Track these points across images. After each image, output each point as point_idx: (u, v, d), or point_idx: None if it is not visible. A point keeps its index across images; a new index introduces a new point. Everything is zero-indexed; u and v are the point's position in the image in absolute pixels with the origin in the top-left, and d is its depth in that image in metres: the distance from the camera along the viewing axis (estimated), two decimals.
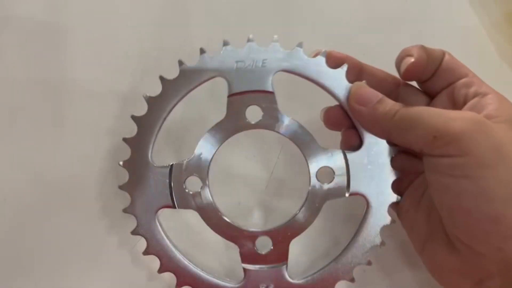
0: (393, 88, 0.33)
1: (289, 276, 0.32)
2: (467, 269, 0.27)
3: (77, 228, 0.35)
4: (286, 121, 0.31)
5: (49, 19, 0.38)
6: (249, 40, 0.31)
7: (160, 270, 0.32)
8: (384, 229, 0.31)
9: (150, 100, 0.31)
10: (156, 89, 0.31)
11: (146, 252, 0.32)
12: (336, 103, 0.31)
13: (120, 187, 0.32)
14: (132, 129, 0.31)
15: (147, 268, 0.34)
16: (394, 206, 0.31)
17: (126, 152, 0.32)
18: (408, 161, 0.32)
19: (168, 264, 0.32)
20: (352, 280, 0.31)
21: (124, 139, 0.31)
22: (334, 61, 0.31)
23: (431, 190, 0.28)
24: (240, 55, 0.31)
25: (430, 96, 0.32)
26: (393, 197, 0.30)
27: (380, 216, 0.31)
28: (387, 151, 0.30)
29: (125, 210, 0.32)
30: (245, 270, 0.32)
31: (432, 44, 0.32)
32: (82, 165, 0.36)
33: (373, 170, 0.30)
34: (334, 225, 0.35)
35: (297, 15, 0.38)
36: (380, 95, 0.29)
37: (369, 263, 0.31)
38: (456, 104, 0.30)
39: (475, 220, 0.25)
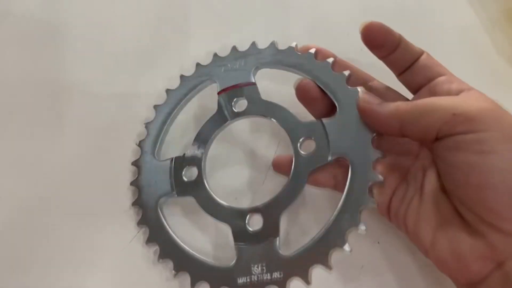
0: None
1: (281, 250, 0.31)
2: (488, 252, 0.26)
3: (73, 225, 0.36)
4: (268, 105, 0.35)
5: (47, 17, 0.41)
6: (233, 48, 0.37)
7: (159, 258, 0.33)
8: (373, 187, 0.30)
9: (156, 108, 0.38)
10: (153, 88, 0.38)
11: (148, 241, 0.34)
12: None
13: (132, 183, 0.36)
14: (129, 127, 0.37)
15: (146, 260, 0.35)
16: (384, 210, 0.31)
17: (123, 150, 0.37)
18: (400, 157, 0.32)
19: (167, 251, 0.33)
20: (345, 247, 0.29)
21: (137, 144, 0.38)
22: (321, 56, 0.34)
23: (452, 175, 0.27)
24: (226, 60, 0.37)
25: (411, 92, 0.33)
26: (376, 154, 0.30)
27: (365, 174, 0.30)
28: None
29: (134, 203, 0.35)
30: (238, 249, 0.32)
31: (430, 41, 0.34)
32: (79, 163, 0.38)
33: (350, 132, 0.31)
34: (323, 194, 0.34)
35: (293, 11, 0.42)
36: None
37: (362, 227, 0.29)
38: None
39: (503, 195, 0.25)
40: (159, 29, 0.42)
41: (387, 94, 0.34)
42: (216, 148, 0.36)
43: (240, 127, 0.38)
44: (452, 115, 0.26)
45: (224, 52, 0.37)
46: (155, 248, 0.34)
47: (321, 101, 0.33)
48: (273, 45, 0.36)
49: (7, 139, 0.39)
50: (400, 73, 0.32)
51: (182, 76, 0.39)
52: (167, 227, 0.34)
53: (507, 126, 0.25)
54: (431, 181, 0.30)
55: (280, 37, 0.36)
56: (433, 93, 0.30)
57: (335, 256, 0.29)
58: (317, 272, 0.30)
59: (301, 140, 0.33)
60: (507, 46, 0.40)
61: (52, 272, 0.35)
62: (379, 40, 0.31)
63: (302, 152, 0.32)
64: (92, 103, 0.40)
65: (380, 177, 0.29)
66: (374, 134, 0.30)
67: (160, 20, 0.42)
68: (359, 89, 0.31)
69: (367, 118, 0.30)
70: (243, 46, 0.37)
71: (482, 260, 0.26)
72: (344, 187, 0.30)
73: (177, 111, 0.38)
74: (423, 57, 0.31)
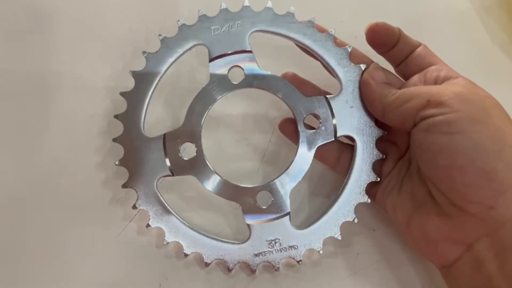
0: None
1: (293, 226, 0.32)
2: (457, 234, 0.28)
3: (66, 218, 0.35)
4: (267, 77, 0.33)
5: (35, 5, 0.38)
6: (221, 7, 0.33)
7: (166, 240, 0.32)
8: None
9: (136, 75, 0.33)
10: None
11: (150, 224, 0.32)
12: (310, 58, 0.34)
13: (118, 163, 0.32)
14: (118, 110, 0.33)
15: (148, 243, 0.34)
16: (371, 195, 0.33)
17: (114, 137, 0.33)
18: (391, 145, 0.33)
19: (173, 233, 0.32)
20: (353, 219, 0.32)
21: (116, 116, 0.33)
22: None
23: (424, 156, 0.29)
24: (214, 21, 0.33)
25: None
26: (379, 132, 0.32)
27: (369, 152, 0.32)
28: None
29: (124, 185, 0.32)
30: (249, 226, 0.32)
31: (424, 27, 0.34)
32: (70, 156, 0.36)
33: (355, 111, 0.32)
34: (329, 170, 0.35)
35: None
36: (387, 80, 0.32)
37: (368, 200, 0.32)
38: (428, 85, 0.31)
39: (469, 176, 0.26)
40: (148, 18, 0.39)
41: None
42: (213, 122, 0.35)
43: (239, 98, 0.36)
44: (427, 101, 0.27)
45: (211, 12, 0.33)
46: (158, 229, 0.33)
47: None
48: (269, 8, 0.33)
49: None
50: (397, 65, 0.33)
51: (163, 38, 0.33)
52: (169, 208, 0.32)
53: (478, 108, 0.26)
54: (411, 169, 0.31)
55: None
56: (422, 80, 0.31)
57: (344, 227, 0.32)
58: (313, 258, 0.33)
59: (305, 115, 0.33)
60: (500, 33, 0.40)
61: (47, 264, 0.34)
62: (382, 39, 0.32)
63: (308, 129, 0.33)
64: (79, 93, 0.37)
65: (383, 155, 0.32)
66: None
67: (149, 9, 0.40)
68: (373, 64, 0.32)
69: (362, 93, 0.32)
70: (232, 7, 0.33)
71: (449, 242, 0.28)
72: (344, 170, 0.33)
73: (160, 79, 0.33)
74: (419, 49, 0.32)
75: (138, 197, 0.32)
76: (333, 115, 0.32)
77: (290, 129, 0.34)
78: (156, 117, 0.36)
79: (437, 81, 0.30)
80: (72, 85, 0.37)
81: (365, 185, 0.32)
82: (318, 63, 0.34)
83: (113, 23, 0.39)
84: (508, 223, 0.26)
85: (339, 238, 0.32)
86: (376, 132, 0.32)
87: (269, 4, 0.33)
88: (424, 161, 0.29)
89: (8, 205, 0.35)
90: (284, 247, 0.32)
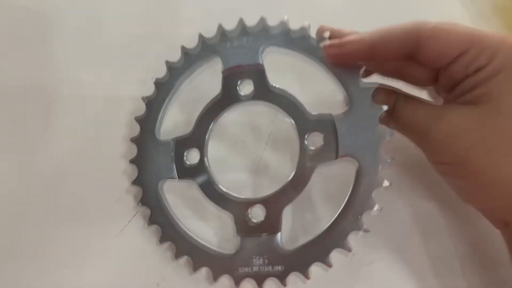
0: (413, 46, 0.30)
1: (283, 245, 0.31)
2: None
3: (65, 219, 0.35)
4: (276, 91, 0.33)
5: (36, 12, 0.40)
6: (240, 22, 0.34)
7: (161, 240, 0.33)
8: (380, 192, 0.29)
9: (156, 83, 0.36)
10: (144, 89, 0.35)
11: (150, 222, 0.34)
12: (325, 73, 0.32)
13: (131, 161, 0.35)
14: (120, 125, 0.36)
15: (145, 244, 0.35)
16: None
17: (115, 148, 0.36)
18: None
19: (167, 235, 0.33)
20: (348, 249, 0.30)
21: (135, 118, 0.35)
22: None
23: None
24: (232, 34, 0.34)
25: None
26: (386, 158, 0.29)
27: (372, 178, 0.29)
28: (375, 112, 0.30)
29: (133, 182, 0.34)
30: (240, 239, 0.32)
31: None
32: (70, 158, 0.37)
33: (361, 132, 0.30)
34: (327, 191, 0.34)
35: (288, 2, 0.40)
36: None
37: (365, 230, 0.29)
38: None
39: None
40: (148, 28, 0.40)
41: None
42: (219, 132, 0.35)
43: (246, 110, 0.36)
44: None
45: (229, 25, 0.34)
46: (156, 229, 0.34)
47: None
48: (283, 23, 0.33)
49: None
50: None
51: (183, 48, 0.35)
52: (169, 209, 0.34)
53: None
54: None
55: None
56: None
57: (334, 255, 0.30)
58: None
59: (308, 133, 0.31)
60: None
61: (42, 263, 0.35)
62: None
63: (309, 147, 0.31)
64: (81, 101, 0.38)
65: (387, 182, 0.29)
66: (388, 136, 0.29)
67: (150, 19, 0.41)
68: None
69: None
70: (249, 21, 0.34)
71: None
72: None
73: (178, 87, 0.36)
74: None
75: (142, 195, 0.34)
76: (336, 135, 0.31)
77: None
78: (169, 121, 0.37)
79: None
80: (75, 92, 0.38)
81: (363, 214, 0.29)
82: (329, 77, 0.32)
83: (116, 30, 0.40)
84: None
85: (330, 265, 0.30)
86: (384, 157, 0.29)
87: (285, 19, 0.33)
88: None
89: (9, 205, 0.36)
90: (270, 266, 0.31)
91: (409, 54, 0.29)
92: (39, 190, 0.36)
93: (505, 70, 0.26)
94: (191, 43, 0.35)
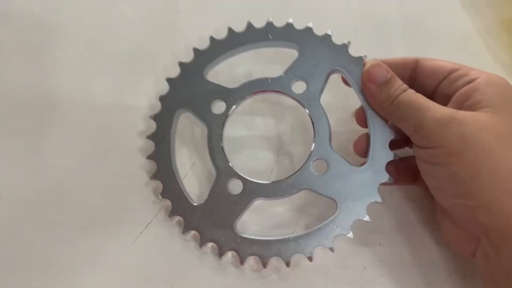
0: (413, 67, 0.34)
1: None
2: (465, 235, 0.30)
3: (74, 221, 0.36)
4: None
5: (46, 22, 0.40)
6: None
7: (184, 230, 0.34)
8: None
9: (169, 81, 0.36)
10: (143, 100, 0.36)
11: (171, 214, 0.34)
12: None
13: (148, 157, 0.35)
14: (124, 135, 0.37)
15: (159, 254, 0.35)
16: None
17: (116, 156, 0.36)
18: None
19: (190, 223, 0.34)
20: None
21: (150, 117, 0.36)
22: None
23: (420, 167, 0.32)
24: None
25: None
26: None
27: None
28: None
29: (153, 177, 0.35)
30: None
31: (428, 49, 0.35)
32: (77, 158, 0.37)
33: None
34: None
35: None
36: (388, 75, 0.31)
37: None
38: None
39: (450, 197, 0.29)
40: (149, 38, 0.41)
41: None
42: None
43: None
44: (414, 131, 0.30)
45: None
46: (178, 220, 0.35)
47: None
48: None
49: (3, 138, 0.38)
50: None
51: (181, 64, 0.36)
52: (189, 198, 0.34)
53: (454, 140, 0.28)
54: None
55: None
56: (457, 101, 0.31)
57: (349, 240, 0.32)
58: (320, 272, 0.33)
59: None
60: (503, 54, 0.41)
61: (53, 270, 0.35)
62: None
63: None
64: (93, 109, 0.39)
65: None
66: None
67: (151, 29, 0.41)
68: (370, 61, 0.32)
69: (365, 93, 0.32)
70: None
71: (464, 241, 0.31)
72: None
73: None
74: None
75: (163, 189, 0.34)
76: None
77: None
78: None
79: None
80: (86, 100, 0.39)
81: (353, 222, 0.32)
82: None
83: (121, 40, 0.41)
84: (491, 229, 0.28)
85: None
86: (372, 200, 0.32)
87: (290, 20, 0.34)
88: (421, 172, 0.31)
89: (20, 215, 0.36)
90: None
91: (411, 75, 0.33)
92: (49, 197, 0.36)
93: (493, 83, 0.30)
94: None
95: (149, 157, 0.35)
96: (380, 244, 0.35)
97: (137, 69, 0.40)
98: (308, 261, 0.32)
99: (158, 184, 0.35)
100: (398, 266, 0.35)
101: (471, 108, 0.29)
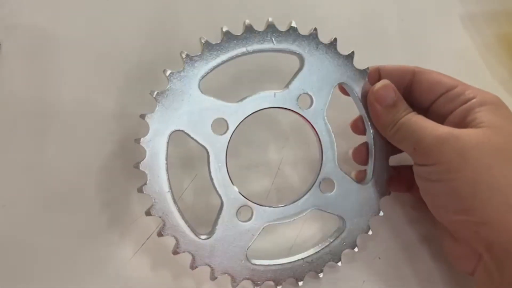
0: (410, 78, 0.34)
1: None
2: (466, 252, 0.30)
3: (77, 232, 0.35)
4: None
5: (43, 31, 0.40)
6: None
7: (177, 251, 0.31)
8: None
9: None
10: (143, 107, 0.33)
11: (161, 234, 0.31)
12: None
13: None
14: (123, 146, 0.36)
15: (160, 265, 0.35)
16: None
17: (119, 166, 0.36)
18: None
19: (184, 244, 0.31)
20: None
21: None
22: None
23: (419, 186, 0.32)
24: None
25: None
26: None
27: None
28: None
29: (139, 190, 0.31)
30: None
31: (426, 64, 0.34)
32: (80, 169, 0.37)
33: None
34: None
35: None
36: (395, 98, 0.32)
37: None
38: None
39: (451, 213, 0.30)
40: (148, 47, 0.41)
41: None
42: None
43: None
44: (413, 150, 0.31)
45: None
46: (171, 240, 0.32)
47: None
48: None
49: (6, 146, 0.37)
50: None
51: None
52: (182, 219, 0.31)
53: (453, 157, 0.29)
54: None
55: None
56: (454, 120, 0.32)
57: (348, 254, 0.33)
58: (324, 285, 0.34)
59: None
60: (501, 70, 0.42)
61: (56, 279, 0.34)
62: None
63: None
64: (95, 118, 0.38)
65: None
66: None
67: (150, 38, 0.41)
68: (381, 82, 0.32)
69: (370, 111, 0.33)
70: None
71: (466, 259, 0.31)
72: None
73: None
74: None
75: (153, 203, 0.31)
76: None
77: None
78: None
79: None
80: (88, 109, 0.38)
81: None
82: None
83: (124, 50, 0.40)
84: (495, 244, 0.28)
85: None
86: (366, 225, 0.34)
87: (293, 24, 0.32)
88: (420, 191, 0.32)
89: (22, 224, 0.35)
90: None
91: (407, 85, 0.33)
92: (50, 207, 0.36)
93: (488, 102, 0.31)
94: None
95: (139, 191, 0.31)
96: (379, 258, 0.36)
97: (140, 80, 0.40)
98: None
99: (157, 219, 0.32)
100: (397, 279, 0.35)
101: (467, 126, 0.30)
